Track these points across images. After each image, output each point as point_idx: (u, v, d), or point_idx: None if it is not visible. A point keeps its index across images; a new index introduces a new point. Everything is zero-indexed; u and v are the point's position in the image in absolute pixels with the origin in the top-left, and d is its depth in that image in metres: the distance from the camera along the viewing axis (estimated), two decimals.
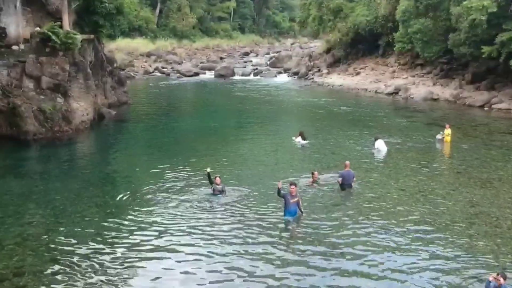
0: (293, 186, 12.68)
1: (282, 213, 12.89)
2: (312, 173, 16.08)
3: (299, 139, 21.64)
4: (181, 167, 17.95)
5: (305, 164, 18.60)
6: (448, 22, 36.50)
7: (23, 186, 15.88)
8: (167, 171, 17.40)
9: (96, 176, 17.26)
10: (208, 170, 14.91)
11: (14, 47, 23.36)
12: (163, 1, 78.82)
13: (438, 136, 22.09)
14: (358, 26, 49.22)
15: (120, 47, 61.61)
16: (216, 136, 24.03)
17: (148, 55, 65.46)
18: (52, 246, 11.23)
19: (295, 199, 12.68)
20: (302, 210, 12.94)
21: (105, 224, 12.59)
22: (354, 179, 15.64)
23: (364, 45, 52.09)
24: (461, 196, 14.78)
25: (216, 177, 15.00)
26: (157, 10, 78.59)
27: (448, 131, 21.81)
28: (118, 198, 14.64)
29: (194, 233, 12.06)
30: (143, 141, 23.82)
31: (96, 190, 15.53)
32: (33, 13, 25.86)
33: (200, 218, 13.03)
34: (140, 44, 67.07)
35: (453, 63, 40.02)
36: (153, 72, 58.01)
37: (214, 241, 11.57)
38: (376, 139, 20.54)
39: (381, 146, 20.16)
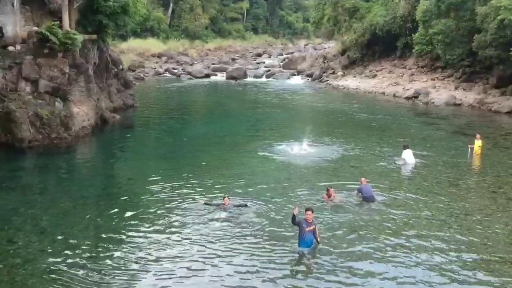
0: (309, 212, 10.91)
1: (295, 242, 11.15)
2: (327, 190, 14.42)
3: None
4: (187, 181, 16.28)
5: (322, 178, 16.77)
6: (472, 22, 34.49)
7: (9, 203, 14.29)
8: (170, 186, 15.74)
9: (91, 191, 15.61)
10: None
11: (10, 48, 21.87)
12: (176, 1, 77.57)
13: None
14: (375, 27, 47.28)
15: (131, 48, 60.62)
16: (225, 145, 22.31)
17: (159, 56, 64.23)
18: (25, 284, 9.63)
19: (311, 227, 10.91)
20: (319, 239, 11.17)
21: (92, 254, 10.92)
22: (373, 189, 14.59)
23: (380, 46, 50.14)
24: (501, 222, 12.87)
25: (225, 197, 13.63)
26: (170, 10, 77.37)
27: (479, 142, 19.84)
28: (111, 219, 13.03)
29: (193, 266, 10.40)
30: (147, 149, 22.19)
31: (90, 209, 13.88)
32: (33, 11, 24.41)
33: (202, 246, 11.34)
34: (151, 44, 65.92)
35: (475, 66, 37.89)
36: (163, 73, 56.64)
37: (215, 278, 9.89)
38: (404, 148, 18.72)
39: (408, 158, 18.35)
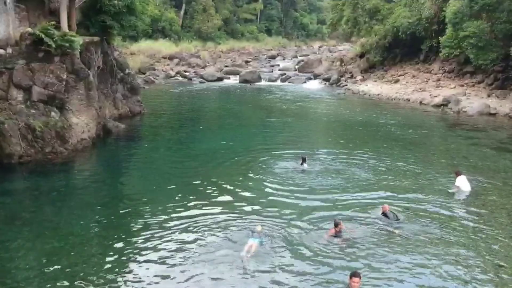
0: (356, 279, 8.36)
1: None
2: (335, 224, 12.11)
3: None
4: (196, 206, 13.96)
5: (349, 207, 14.21)
6: (509, 24, 31.65)
7: None
8: (175, 214, 13.36)
9: (85, 225, 13.05)
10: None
11: (1, 51, 19.53)
12: (188, 2, 75.43)
13: None
14: (397, 29, 44.49)
15: (142, 49, 58.46)
16: (238, 161, 19.65)
17: (171, 58, 62.02)
18: None
19: None
20: None
21: None
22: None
23: (402, 49, 47.35)
24: None
25: (257, 225, 11.96)
26: (182, 11, 75.29)
27: None
28: (101, 265, 10.56)
29: None
30: (152, 165, 19.68)
31: (79, 252, 11.38)
32: (29, 11, 22.17)
33: None
34: (163, 46, 63.81)
35: (509, 72, 35.00)
36: (174, 76, 54.47)
37: None
38: (457, 175, 16.19)
39: (463, 185, 15.79)
